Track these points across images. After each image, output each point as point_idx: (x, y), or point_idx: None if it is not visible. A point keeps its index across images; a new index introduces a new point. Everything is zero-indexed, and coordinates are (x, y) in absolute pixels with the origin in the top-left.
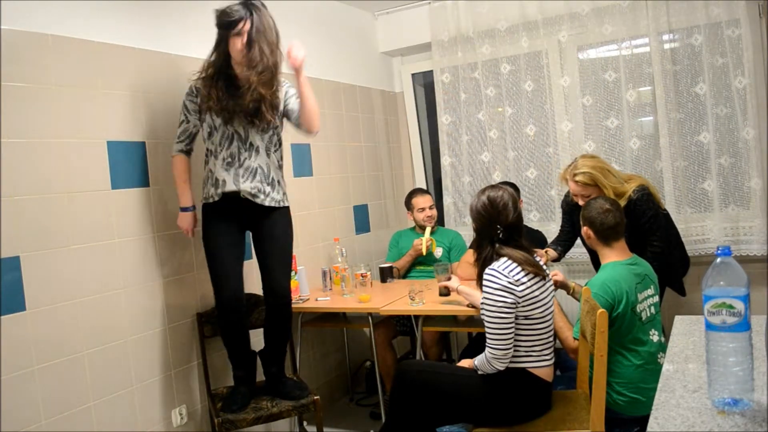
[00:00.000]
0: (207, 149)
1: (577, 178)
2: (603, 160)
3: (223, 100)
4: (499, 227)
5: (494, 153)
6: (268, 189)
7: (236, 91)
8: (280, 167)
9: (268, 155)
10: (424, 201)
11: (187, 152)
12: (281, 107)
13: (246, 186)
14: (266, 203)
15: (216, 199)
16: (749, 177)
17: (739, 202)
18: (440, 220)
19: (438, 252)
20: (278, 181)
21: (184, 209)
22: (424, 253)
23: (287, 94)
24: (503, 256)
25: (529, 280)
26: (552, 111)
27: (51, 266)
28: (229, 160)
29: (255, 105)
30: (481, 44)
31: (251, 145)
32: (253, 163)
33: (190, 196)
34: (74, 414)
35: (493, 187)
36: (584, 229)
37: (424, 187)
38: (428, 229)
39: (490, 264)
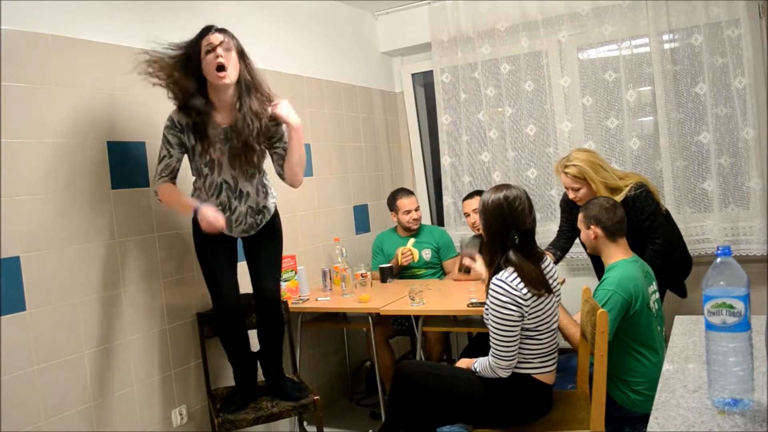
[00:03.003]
0: (198, 182)
1: (567, 170)
2: (597, 155)
3: (212, 149)
4: (515, 233)
5: (494, 153)
6: (260, 219)
7: (218, 136)
8: (267, 191)
9: (257, 194)
10: (410, 203)
11: (172, 182)
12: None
13: (238, 231)
14: (259, 229)
15: None
16: (749, 177)
17: (739, 202)
18: (440, 220)
19: (426, 254)
20: (266, 206)
21: (196, 210)
22: (405, 264)
23: (278, 132)
24: (511, 265)
25: (533, 294)
26: (552, 111)
27: (51, 266)
28: (220, 208)
29: (241, 149)
30: (481, 44)
31: (241, 192)
32: (243, 207)
33: (191, 199)
34: (74, 414)
35: (508, 186)
36: (590, 230)
37: (424, 187)
38: (411, 241)
39: (498, 272)
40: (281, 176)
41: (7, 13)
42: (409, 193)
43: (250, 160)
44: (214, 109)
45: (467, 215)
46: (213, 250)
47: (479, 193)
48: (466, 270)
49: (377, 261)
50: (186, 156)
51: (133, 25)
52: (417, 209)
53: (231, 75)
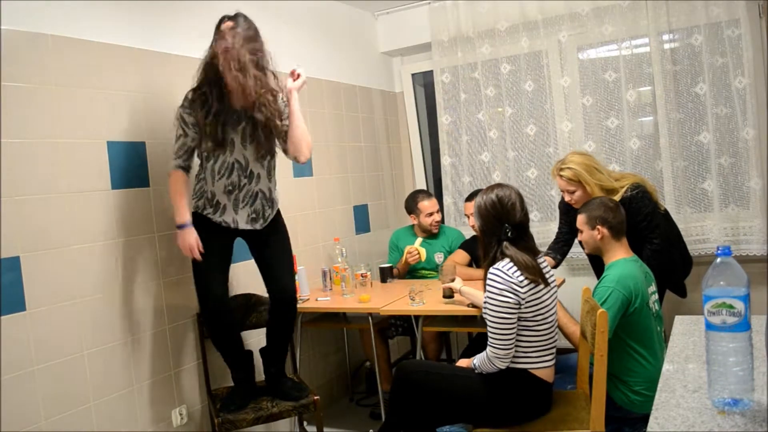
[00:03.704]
0: (203, 167)
1: (562, 173)
2: (593, 158)
3: (219, 134)
4: (507, 226)
5: (494, 153)
6: (268, 211)
7: (231, 117)
8: (275, 185)
9: (269, 179)
10: (431, 205)
11: (186, 168)
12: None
13: (244, 216)
14: (264, 226)
15: (215, 220)
16: (749, 177)
17: (739, 202)
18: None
19: (439, 257)
20: (274, 199)
21: (181, 226)
22: (412, 263)
23: (284, 111)
24: (507, 257)
25: (529, 283)
26: (552, 111)
27: (51, 266)
28: (230, 188)
29: (254, 130)
30: (481, 44)
31: (251, 173)
32: (254, 188)
33: (187, 211)
34: (74, 414)
35: (500, 185)
36: (596, 231)
37: (424, 187)
38: (418, 240)
39: (494, 263)
40: (285, 151)
41: (7, 13)
42: (429, 195)
43: (263, 138)
44: (229, 92)
45: (468, 217)
46: (206, 252)
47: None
48: (449, 296)
49: (393, 257)
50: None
51: (133, 25)
52: (438, 211)
53: (231, 51)
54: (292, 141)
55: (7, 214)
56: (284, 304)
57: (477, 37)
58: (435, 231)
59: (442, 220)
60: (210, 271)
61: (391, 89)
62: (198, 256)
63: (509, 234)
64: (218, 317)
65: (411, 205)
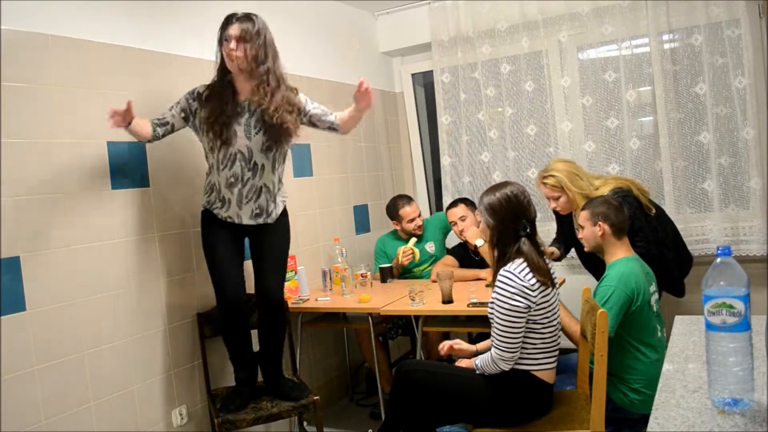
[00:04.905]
0: (209, 164)
1: (546, 181)
2: (575, 165)
3: (223, 131)
4: (525, 221)
5: (494, 153)
6: (271, 207)
7: (235, 110)
8: (281, 181)
9: (273, 172)
10: (413, 210)
11: (153, 128)
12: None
13: (248, 211)
14: (268, 222)
15: (221, 216)
16: (749, 177)
17: (739, 202)
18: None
19: (430, 247)
20: (280, 198)
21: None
22: (405, 263)
23: (304, 102)
24: (523, 254)
25: (540, 286)
26: (552, 111)
27: (51, 266)
28: (232, 180)
29: (259, 122)
30: (481, 44)
31: (255, 164)
32: (258, 182)
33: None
34: (74, 414)
35: (506, 183)
36: (597, 227)
37: (424, 187)
38: (412, 240)
39: (507, 263)
40: (333, 126)
41: (7, 13)
42: (410, 199)
43: (270, 129)
44: (235, 86)
45: (454, 224)
46: (220, 246)
47: (463, 200)
48: (448, 301)
49: (381, 263)
50: (186, 126)
51: (133, 25)
52: (420, 215)
53: (239, 61)
54: (344, 126)
55: (7, 214)
56: (266, 306)
57: (477, 37)
58: (419, 233)
59: None
60: (224, 265)
61: (391, 89)
62: (118, 124)
63: (528, 230)
64: (231, 313)
65: (392, 211)
